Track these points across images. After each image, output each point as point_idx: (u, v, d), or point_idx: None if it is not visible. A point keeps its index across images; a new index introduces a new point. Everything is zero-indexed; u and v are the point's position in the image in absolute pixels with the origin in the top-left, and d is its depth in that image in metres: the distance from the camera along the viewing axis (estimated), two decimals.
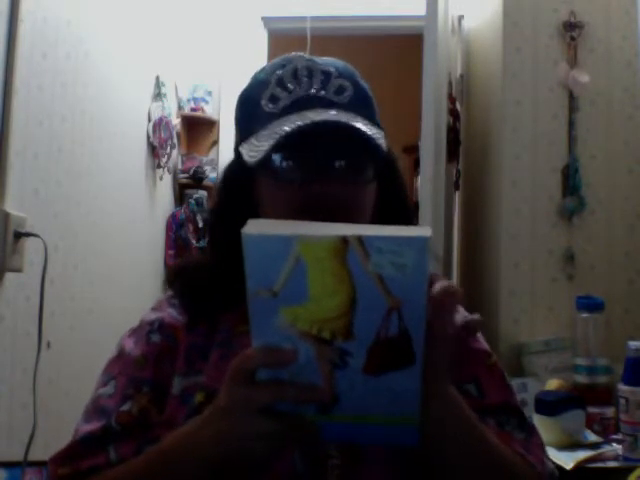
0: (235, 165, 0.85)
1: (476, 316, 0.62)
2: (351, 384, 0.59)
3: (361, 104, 0.80)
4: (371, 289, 0.55)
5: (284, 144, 0.74)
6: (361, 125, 0.75)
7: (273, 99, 0.79)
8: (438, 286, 0.60)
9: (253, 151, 0.77)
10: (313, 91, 0.79)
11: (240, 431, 0.61)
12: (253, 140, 0.78)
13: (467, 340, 0.87)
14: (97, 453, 0.77)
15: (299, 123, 0.73)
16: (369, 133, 0.75)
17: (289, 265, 0.54)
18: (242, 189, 0.82)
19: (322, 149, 0.76)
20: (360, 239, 0.53)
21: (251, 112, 0.81)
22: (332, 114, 0.75)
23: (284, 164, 0.77)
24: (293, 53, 0.84)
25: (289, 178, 0.77)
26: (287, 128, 0.73)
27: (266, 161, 0.75)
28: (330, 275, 0.55)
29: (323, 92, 0.79)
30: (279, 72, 0.81)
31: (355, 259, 0.54)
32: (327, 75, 0.80)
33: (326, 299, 0.56)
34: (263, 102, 0.79)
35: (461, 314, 0.63)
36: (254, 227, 0.55)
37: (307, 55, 0.83)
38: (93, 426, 0.79)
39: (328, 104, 0.78)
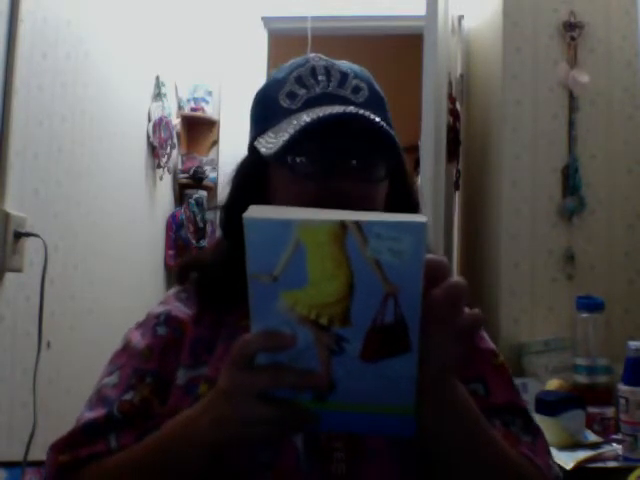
0: (249, 161, 0.85)
1: (477, 311, 0.62)
2: (348, 371, 0.59)
3: (376, 105, 0.81)
4: (368, 275, 0.55)
5: (301, 138, 0.74)
6: (380, 121, 0.75)
7: (291, 95, 0.80)
8: (449, 281, 0.60)
9: (270, 143, 0.77)
10: (330, 89, 0.80)
11: (240, 415, 0.62)
12: (270, 134, 0.79)
13: (474, 337, 0.88)
14: (97, 441, 0.78)
15: (319, 114, 0.74)
16: (387, 128, 0.75)
17: (289, 250, 0.55)
18: (255, 185, 0.83)
19: (339, 143, 0.77)
20: (358, 224, 0.54)
21: (268, 109, 0.82)
22: (351, 108, 0.76)
23: (300, 158, 0.77)
24: (312, 54, 0.85)
25: (305, 172, 0.77)
26: (307, 119, 0.74)
27: (283, 153, 0.75)
28: (329, 260, 0.55)
29: (340, 90, 0.80)
30: (297, 71, 0.82)
31: (353, 244, 0.54)
32: (344, 75, 0.81)
33: (325, 284, 0.56)
34: (281, 98, 0.80)
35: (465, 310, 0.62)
36: (255, 212, 0.56)
37: (324, 56, 0.84)
38: (95, 414, 0.80)
39: (345, 102, 0.78)
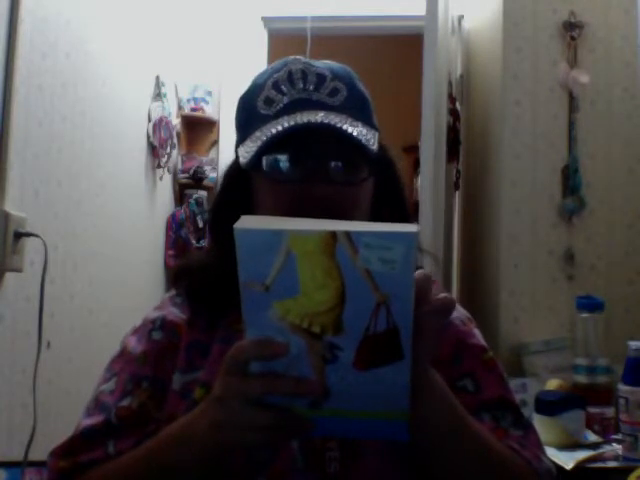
0: (234, 166, 0.87)
1: (443, 295, 0.63)
2: (341, 378, 0.60)
3: (355, 106, 0.82)
4: (359, 284, 0.56)
5: (273, 145, 0.76)
6: (348, 126, 0.77)
7: (268, 101, 0.81)
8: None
9: (247, 152, 0.79)
10: (305, 94, 0.80)
11: (234, 420, 0.62)
12: (248, 142, 0.80)
13: (464, 337, 0.88)
14: (96, 447, 0.79)
15: (285, 125, 0.76)
16: (354, 134, 0.76)
17: (280, 259, 0.56)
18: (240, 190, 0.85)
19: (310, 150, 0.78)
20: (348, 234, 0.54)
21: (248, 115, 0.83)
22: (320, 115, 0.77)
23: (273, 165, 0.79)
24: (291, 57, 0.85)
25: (281, 178, 0.79)
26: (274, 130, 0.76)
27: (257, 162, 0.78)
28: (320, 269, 0.56)
29: (316, 94, 0.80)
30: (275, 75, 0.82)
31: (344, 254, 0.55)
32: (321, 78, 0.82)
33: (316, 293, 0.57)
34: (259, 105, 0.82)
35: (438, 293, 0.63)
36: (246, 222, 0.57)
37: (304, 58, 0.84)
38: (94, 420, 0.81)
39: (320, 106, 0.79)
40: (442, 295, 0.62)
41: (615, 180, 2.25)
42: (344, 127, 0.76)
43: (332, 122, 0.76)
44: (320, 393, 0.61)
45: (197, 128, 3.22)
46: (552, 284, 2.22)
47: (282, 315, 0.58)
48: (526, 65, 2.28)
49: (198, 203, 3.08)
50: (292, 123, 0.76)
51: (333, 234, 0.54)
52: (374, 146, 0.79)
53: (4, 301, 1.66)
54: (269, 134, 0.76)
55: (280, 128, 0.76)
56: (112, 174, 2.37)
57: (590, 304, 2.00)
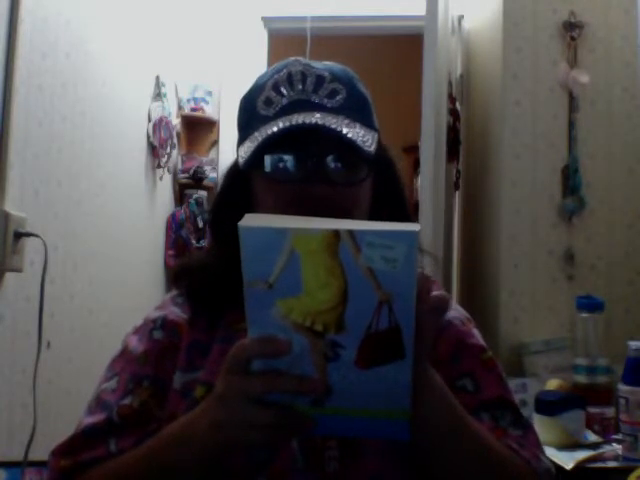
0: (234, 166, 0.88)
1: (438, 292, 0.63)
2: (343, 377, 0.60)
3: (353, 107, 0.82)
4: (362, 282, 0.56)
5: (270, 146, 0.77)
6: (343, 127, 0.77)
7: (267, 102, 0.82)
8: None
9: (245, 152, 0.80)
10: (304, 95, 0.81)
11: (236, 419, 0.62)
12: (247, 142, 0.81)
13: (464, 337, 0.89)
14: (98, 445, 0.79)
15: (281, 125, 0.76)
16: (349, 135, 0.77)
17: (283, 258, 0.56)
18: (240, 190, 0.86)
19: (307, 151, 0.79)
20: (352, 233, 0.55)
21: (249, 115, 0.84)
22: (316, 117, 0.77)
23: (272, 165, 0.80)
24: (291, 58, 0.86)
25: (277, 178, 0.80)
26: (270, 131, 0.77)
27: (253, 162, 0.79)
28: (323, 268, 0.56)
29: (314, 96, 0.81)
30: (276, 76, 0.83)
31: (346, 252, 0.55)
32: (320, 79, 0.82)
33: (319, 291, 0.57)
34: (259, 105, 0.82)
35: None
36: (250, 220, 0.57)
37: (304, 60, 0.85)
38: (95, 419, 0.81)
39: (318, 107, 0.80)
40: (437, 293, 0.63)
41: (615, 180, 2.25)
42: (339, 128, 0.77)
43: (327, 123, 0.77)
44: (322, 391, 0.61)
45: (197, 128, 3.22)
46: (552, 284, 2.22)
47: (285, 313, 0.58)
48: (526, 65, 2.28)
49: (198, 203, 3.08)
50: (287, 124, 0.77)
51: (336, 233, 0.55)
52: (371, 147, 0.79)
53: (4, 301, 1.66)
54: (265, 134, 0.77)
55: (276, 129, 0.77)
56: (112, 174, 2.37)
57: (590, 304, 2.00)
